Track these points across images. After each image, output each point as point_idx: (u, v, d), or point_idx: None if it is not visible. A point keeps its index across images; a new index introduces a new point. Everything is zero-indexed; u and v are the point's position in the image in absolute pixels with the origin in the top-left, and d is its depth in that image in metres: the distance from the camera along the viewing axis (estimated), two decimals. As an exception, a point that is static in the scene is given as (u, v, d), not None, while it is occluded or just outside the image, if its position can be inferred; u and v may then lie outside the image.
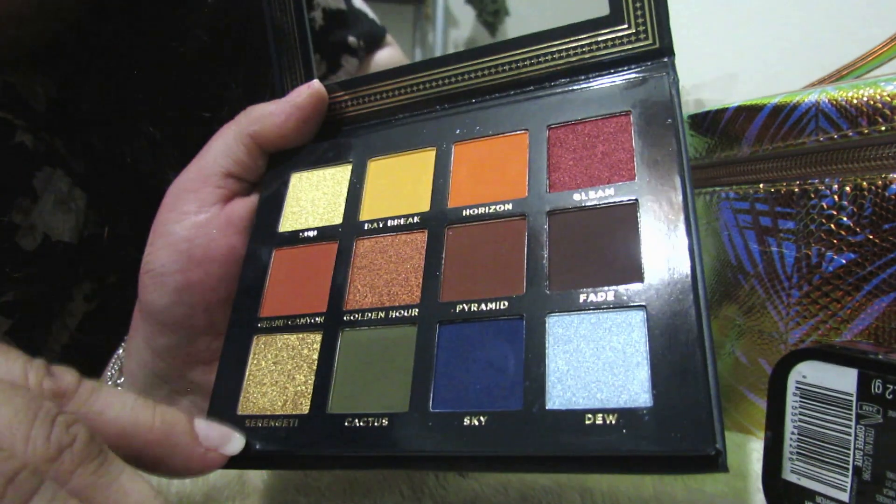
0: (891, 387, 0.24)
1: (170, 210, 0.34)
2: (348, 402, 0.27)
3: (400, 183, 0.32)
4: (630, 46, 0.31)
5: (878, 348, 0.28)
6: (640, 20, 0.31)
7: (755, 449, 0.33)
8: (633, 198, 0.27)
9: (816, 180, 0.32)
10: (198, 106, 0.44)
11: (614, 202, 0.27)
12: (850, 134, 0.30)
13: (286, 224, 0.33)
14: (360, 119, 0.36)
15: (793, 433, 0.27)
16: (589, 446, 0.22)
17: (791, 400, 0.27)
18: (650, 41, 0.31)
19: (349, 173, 0.34)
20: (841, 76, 0.39)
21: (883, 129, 0.30)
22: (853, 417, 0.25)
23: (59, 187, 0.41)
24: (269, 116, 0.34)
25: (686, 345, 0.22)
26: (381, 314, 0.28)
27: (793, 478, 0.27)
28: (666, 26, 0.30)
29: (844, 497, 0.26)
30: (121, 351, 0.38)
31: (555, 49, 0.32)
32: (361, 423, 0.25)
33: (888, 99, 0.29)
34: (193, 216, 0.33)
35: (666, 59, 0.30)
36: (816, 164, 0.32)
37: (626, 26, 0.31)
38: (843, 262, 0.31)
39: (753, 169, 0.34)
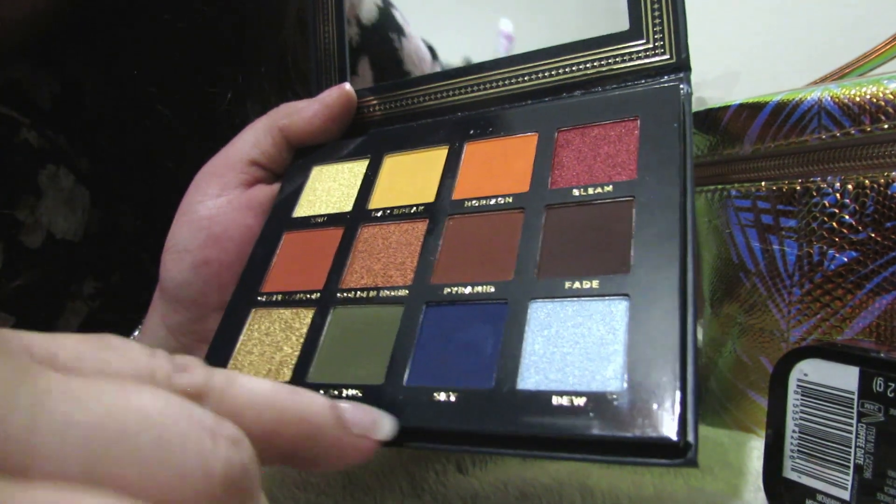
0: (892, 385, 0.24)
1: (195, 191, 0.36)
2: (328, 374, 0.27)
3: (411, 176, 0.34)
4: (647, 61, 0.32)
5: (879, 346, 0.28)
6: (658, 35, 0.32)
7: (756, 447, 0.33)
8: (631, 195, 0.27)
9: (818, 178, 0.32)
10: (203, 83, 0.44)
11: (612, 198, 0.27)
12: (853, 132, 0.30)
13: (300, 210, 0.35)
14: (385, 122, 0.38)
15: (794, 431, 0.27)
16: (553, 427, 0.22)
17: (792, 398, 0.27)
18: (667, 56, 0.31)
19: (365, 167, 0.35)
20: (843, 74, 0.39)
21: (885, 126, 0.30)
22: (854, 415, 0.25)
23: (63, 185, 0.41)
24: (298, 112, 0.37)
25: (666, 337, 0.22)
26: (373, 293, 0.29)
27: (794, 476, 0.27)
28: (684, 42, 0.31)
29: (845, 495, 0.25)
30: (137, 333, 0.38)
31: (573, 61, 0.33)
32: (336, 393, 0.26)
33: (891, 97, 0.29)
34: (215, 197, 0.35)
35: (682, 74, 0.31)
36: (818, 161, 0.32)
37: (644, 41, 0.32)
38: (845, 260, 0.31)
39: (755, 167, 0.34)
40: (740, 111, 0.34)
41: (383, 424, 0.23)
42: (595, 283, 0.25)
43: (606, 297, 0.24)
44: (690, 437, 0.20)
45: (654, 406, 0.21)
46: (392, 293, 0.29)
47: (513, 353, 0.24)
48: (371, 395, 0.25)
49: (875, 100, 0.30)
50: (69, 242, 0.41)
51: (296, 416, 0.20)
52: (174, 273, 0.34)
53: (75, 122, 0.43)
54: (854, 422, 0.25)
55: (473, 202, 0.30)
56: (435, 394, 0.24)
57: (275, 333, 0.30)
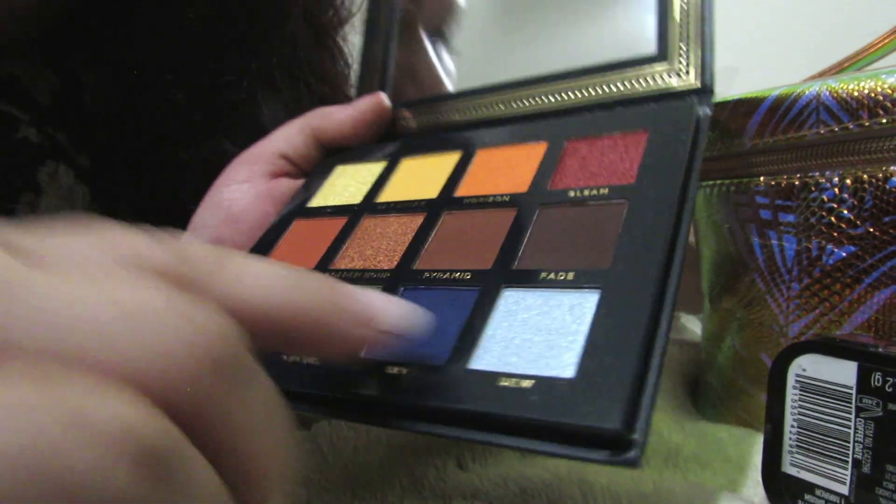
0: (890, 380, 0.24)
1: (224, 177, 0.38)
2: None
3: (421, 176, 0.35)
4: (670, 83, 0.32)
5: (877, 341, 0.28)
6: (683, 60, 0.32)
7: (755, 442, 0.33)
8: (625, 198, 0.27)
9: (817, 173, 0.32)
10: (212, 74, 0.44)
11: (605, 200, 0.27)
12: (851, 126, 0.30)
13: (315, 202, 0.36)
14: (420, 133, 0.40)
15: (792, 426, 0.27)
16: (491, 406, 0.21)
17: (791, 393, 0.27)
18: (691, 79, 0.31)
19: (382, 167, 0.37)
20: (842, 68, 0.39)
21: (884, 121, 0.30)
22: (853, 410, 0.25)
23: (63, 182, 0.41)
24: (332, 115, 0.39)
25: (632, 332, 0.21)
26: (357, 275, 0.30)
27: (792, 471, 0.27)
28: (709, 68, 0.31)
29: (844, 490, 0.26)
30: None
31: (597, 81, 0.34)
32: (294, 359, 0.26)
33: (889, 91, 0.29)
34: (240, 182, 0.37)
35: (703, 97, 0.31)
36: (817, 156, 0.32)
37: (669, 64, 0.32)
38: (844, 254, 0.31)
39: (754, 162, 0.34)
40: (738, 106, 0.34)
41: (384, 315, 0.20)
42: (570, 275, 0.25)
43: (579, 289, 0.24)
44: (638, 435, 0.19)
45: (603, 397, 0.20)
46: (374, 275, 0.29)
47: (473, 334, 0.24)
48: (328, 367, 0.25)
49: (873, 94, 0.30)
50: None
51: (297, 303, 0.18)
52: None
53: (75, 118, 0.43)
54: (852, 417, 0.25)
55: (472, 200, 0.31)
56: (388, 368, 0.24)
57: None
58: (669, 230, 0.24)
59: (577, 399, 0.20)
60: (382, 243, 0.31)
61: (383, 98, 0.40)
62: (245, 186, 0.37)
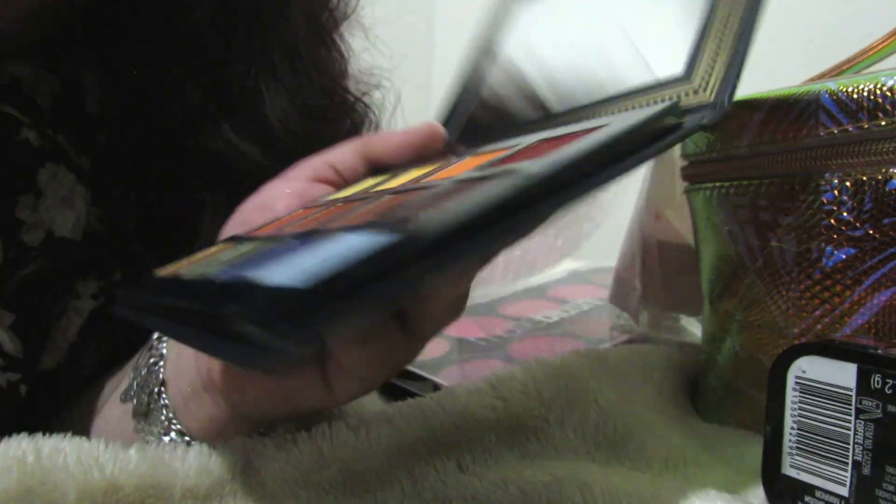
0: (890, 381, 0.24)
1: (281, 173, 0.40)
2: (194, 272, 0.29)
3: (409, 176, 0.35)
4: (686, 101, 0.31)
5: (877, 343, 0.28)
6: (706, 79, 0.31)
7: (755, 444, 0.33)
8: (514, 171, 0.25)
9: (816, 175, 0.32)
10: (217, 67, 0.45)
11: (502, 174, 0.26)
12: (850, 129, 0.30)
13: (324, 199, 0.38)
14: None
15: (792, 428, 0.27)
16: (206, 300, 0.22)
17: (791, 395, 0.27)
18: (707, 96, 0.31)
19: (389, 175, 0.38)
20: (841, 71, 0.39)
21: (883, 123, 0.30)
22: (853, 412, 0.25)
23: (63, 184, 0.41)
24: (384, 134, 0.41)
25: (381, 264, 0.20)
26: (272, 236, 0.31)
27: (792, 472, 0.27)
28: (730, 86, 0.30)
29: (844, 491, 0.26)
30: None
31: (622, 106, 0.35)
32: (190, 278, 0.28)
33: (888, 93, 0.29)
34: (284, 179, 0.39)
35: (708, 110, 0.30)
36: (816, 158, 0.32)
37: (690, 84, 0.32)
38: (843, 256, 0.31)
39: (753, 164, 0.34)
40: (738, 108, 0.34)
41: None
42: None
43: (385, 232, 0.22)
44: (294, 287, 0.19)
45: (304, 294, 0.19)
46: (288, 234, 0.29)
47: (279, 261, 0.24)
48: (196, 284, 0.27)
49: (872, 97, 0.30)
50: (69, 241, 0.42)
51: None
52: (227, 224, 0.38)
53: (75, 120, 0.43)
54: (852, 418, 0.25)
55: (415, 186, 0.31)
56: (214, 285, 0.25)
57: (216, 254, 0.32)
58: (504, 194, 0.23)
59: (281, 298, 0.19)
60: (324, 216, 0.31)
61: (437, 128, 0.41)
62: (285, 182, 0.39)
